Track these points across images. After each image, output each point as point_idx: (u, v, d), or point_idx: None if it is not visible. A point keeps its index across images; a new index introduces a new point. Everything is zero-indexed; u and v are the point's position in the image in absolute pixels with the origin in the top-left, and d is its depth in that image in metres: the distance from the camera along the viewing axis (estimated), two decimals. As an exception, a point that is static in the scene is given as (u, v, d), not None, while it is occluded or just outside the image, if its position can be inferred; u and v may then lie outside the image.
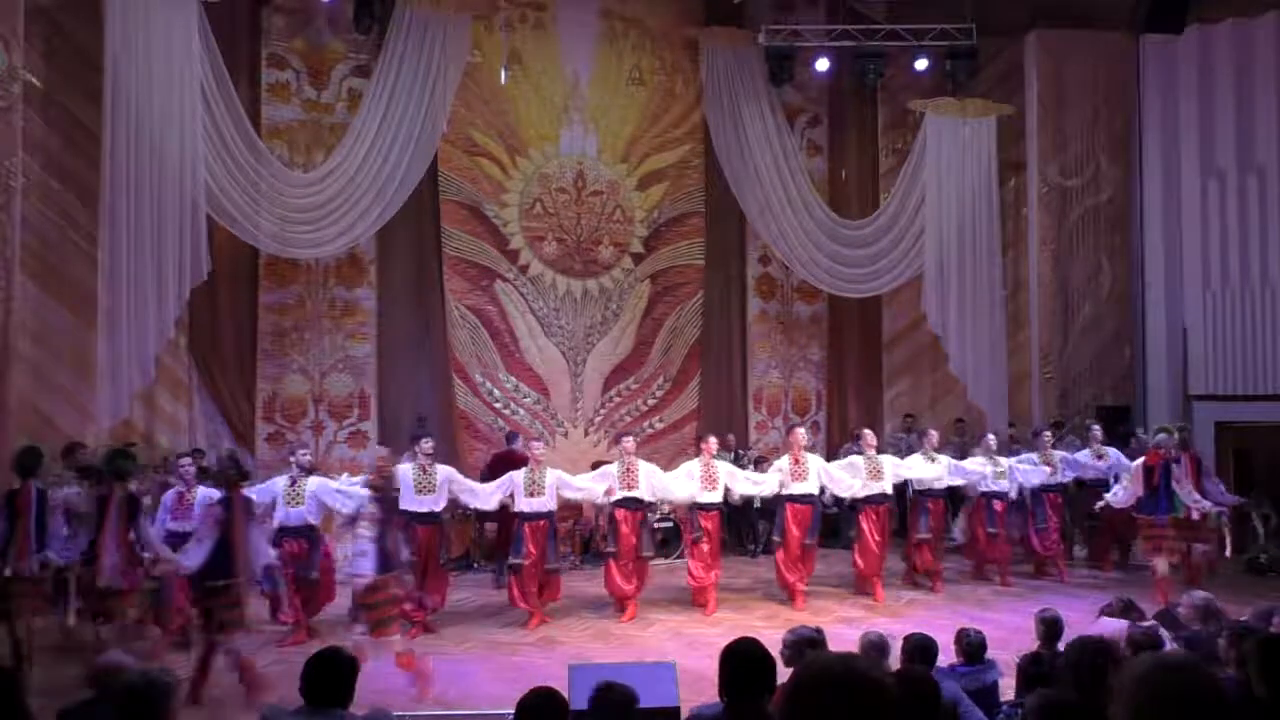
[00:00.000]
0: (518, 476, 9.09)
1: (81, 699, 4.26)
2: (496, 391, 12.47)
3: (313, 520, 8.50)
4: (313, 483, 8.58)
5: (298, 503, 8.48)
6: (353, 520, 7.23)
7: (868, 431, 10.50)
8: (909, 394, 13.76)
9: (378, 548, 6.85)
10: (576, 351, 12.85)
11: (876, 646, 4.88)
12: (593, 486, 9.49)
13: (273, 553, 7.67)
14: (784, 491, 9.81)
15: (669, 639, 8.49)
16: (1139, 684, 1.99)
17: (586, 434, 12.81)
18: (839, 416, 13.83)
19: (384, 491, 7.15)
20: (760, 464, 12.38)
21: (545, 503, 9.05)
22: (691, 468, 9.74)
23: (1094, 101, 13.35)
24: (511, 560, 9.03)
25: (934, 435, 10.77)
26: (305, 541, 8.48)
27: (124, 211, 9.71)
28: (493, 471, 10.64)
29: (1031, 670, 4.79)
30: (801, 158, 13.43)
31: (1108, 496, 10.11)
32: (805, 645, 4.60)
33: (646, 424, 12.85)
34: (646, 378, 13.13)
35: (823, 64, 13.01)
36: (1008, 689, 5.43)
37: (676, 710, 4.93)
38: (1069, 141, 13.34)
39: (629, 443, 9.63)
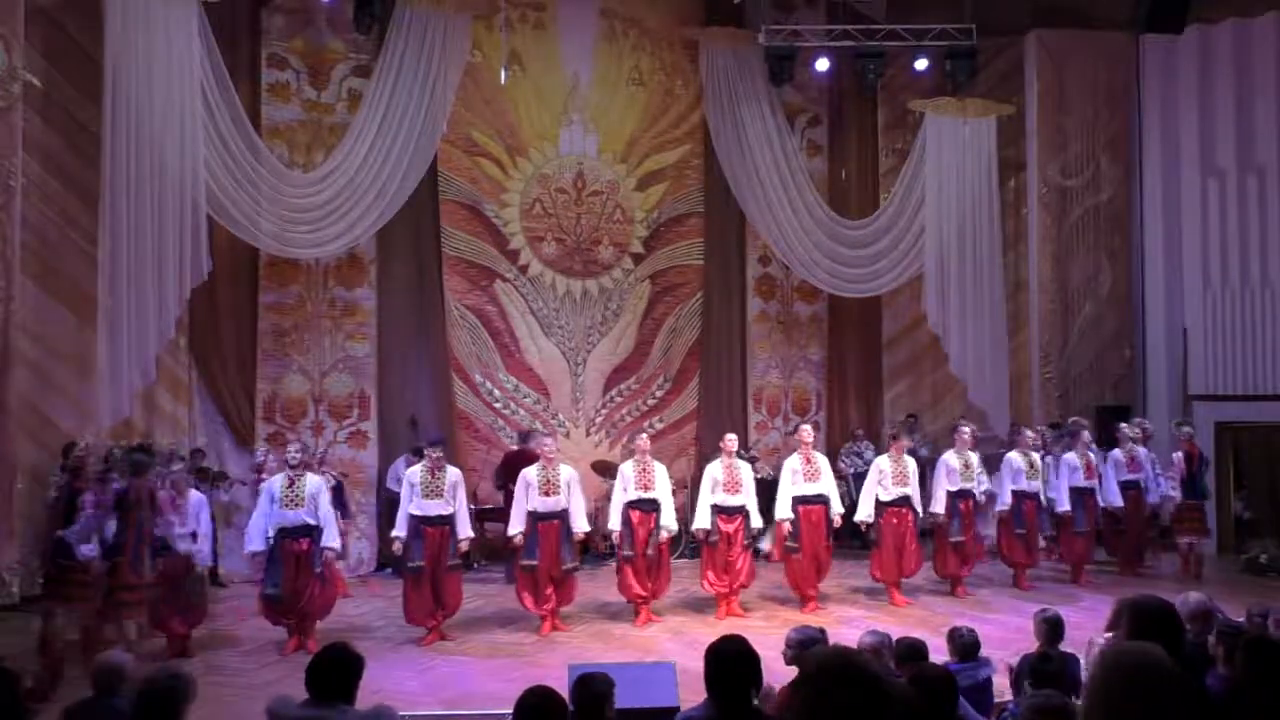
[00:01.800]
0: (530, 475, 8.80)
1: (85, 697, 4.27)
2: (496, 391, 12.47)
3: (311, 520, 8.20)
4: (312, 481, 8.38)
5: (296, 504, 8.20)
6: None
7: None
8: (909, 394, 13.75)
9: (106, 535, 7.41)
10: (577, 352, 12.85)
11: (879, 646, 4.89)
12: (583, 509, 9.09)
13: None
14: (795, 493, 9.43)
15: (669, 639, 8.49)
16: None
17: (588, 434, 12.80)
18: (839, 416, 13.81)
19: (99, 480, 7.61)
20: (753, 464, 12.36)
21: (559, 501, 8.75)
22: (714, 471, 9.39)
23: (1094, 101, 13.35)
24: (524, 561, 8.70)
25: (966, 433, 10.39)
26: (307, 541, 8.20)
27: (124, 211, 9.69)
28: (506, 470, 10.59)
29: (1040, 669, 4.74)
30: (801, 158, 13.42)
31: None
32: (811, 645, 4.62)
33: (647, 424, 12.82)
34: (647, 378, 13.12)
35: (823, 64, 13.00)
36: (1004, 688, 5.45)
37: (676, 710, 4.94)
38: (1069, 141, 13.34)
39: (644, 441, 9.44)
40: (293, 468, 8.33)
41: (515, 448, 11.27)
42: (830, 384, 13.96)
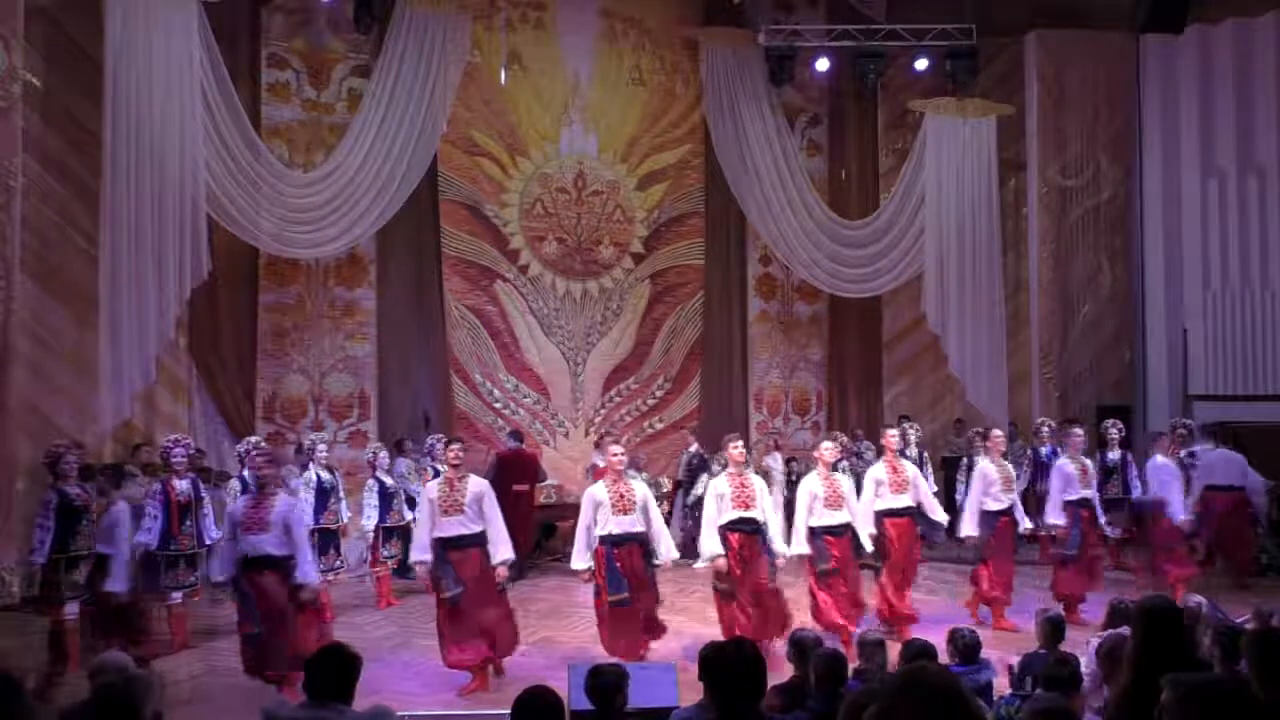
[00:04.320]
0: (599, 494, 7.30)
1: (83, 699, 4.26)
2: (496, 391, 12.47)
3: (274, 551, 6.62)
4: (283, 501, 6.83)
5: (259, 528, 6.65)
6: None
7: (996, 432, 9.17)
8: (909, 394, 13.77)
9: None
10: (577, 352, 12.85)
11: (875, 645, 4.90)
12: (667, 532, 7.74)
13: None
14: (880, 505, 8.24)
15: (670, 639, 8.43)
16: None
17: (587, 434, 12.79)
18: (839, 417, 13.83)
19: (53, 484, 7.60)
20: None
21: (635, 521, 7.28)
22: (814, 486, 7.83)
23: (1094, 101, 13.36)
24: (612, 597, 7.14)
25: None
26: (274, 575, 6.65)
27: (124, 211, 9.68)
28: (498, 473, 10.32)
29: (1053, 674, 4.67)
30: (801, 158, 13.44)
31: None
32: (813, 645, 4.63)
33: (646, 424, 12.86)
34: (647, 378, 13.13)
35: (823, 64, 13.02)
36: (1003, 689, 5.44)
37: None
38: (1069, 141, 13.35)
39: (737, 450, 7.62)
40: (259, 480, 6.84)
41: (507, 448, 11.20)
42: (830, 384, 13.99)
